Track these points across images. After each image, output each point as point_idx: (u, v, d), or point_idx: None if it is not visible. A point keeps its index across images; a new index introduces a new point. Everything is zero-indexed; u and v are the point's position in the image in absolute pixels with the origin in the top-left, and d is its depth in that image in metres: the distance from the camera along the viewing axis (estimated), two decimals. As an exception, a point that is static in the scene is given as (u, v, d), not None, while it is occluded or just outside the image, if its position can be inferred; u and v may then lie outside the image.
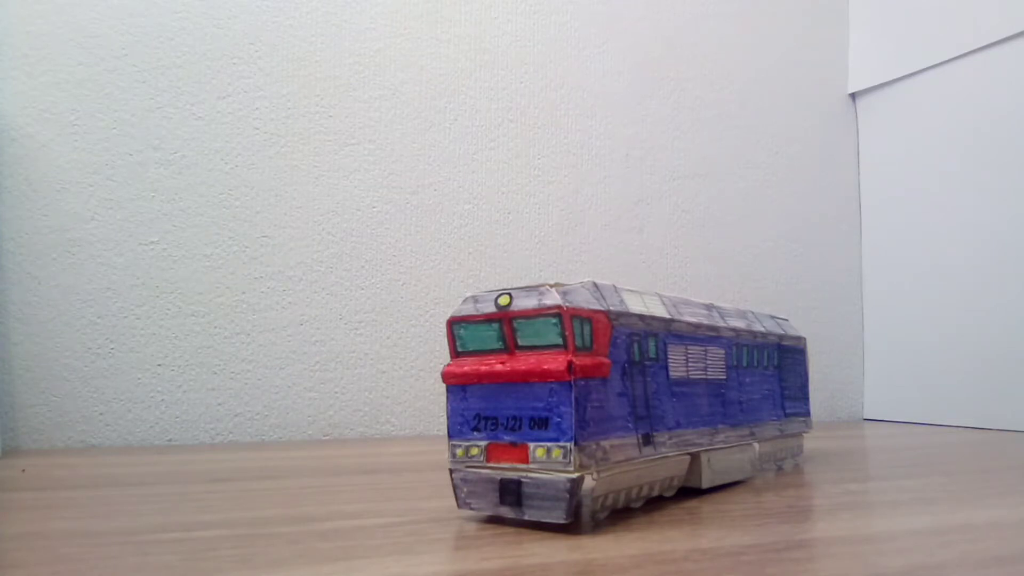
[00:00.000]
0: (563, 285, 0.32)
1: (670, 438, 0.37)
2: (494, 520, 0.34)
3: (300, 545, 0.29)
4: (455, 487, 0.34)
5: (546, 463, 0.30)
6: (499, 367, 0.32)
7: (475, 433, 0.33)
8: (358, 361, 0.76)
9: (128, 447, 0.67)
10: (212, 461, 0.56)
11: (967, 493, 0.41)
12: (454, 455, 0.34)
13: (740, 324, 0.46)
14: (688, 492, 0.41)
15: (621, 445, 0.33)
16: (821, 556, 0.28)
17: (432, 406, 0.78)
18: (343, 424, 0.75)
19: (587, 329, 0.31)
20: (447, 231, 0.81)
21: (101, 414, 0.68)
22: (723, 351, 0.43)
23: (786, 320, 0.56)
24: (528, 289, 0.32)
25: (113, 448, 0.67)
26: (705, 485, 0.40)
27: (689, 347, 0.40)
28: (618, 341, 0.33)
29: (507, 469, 0.32)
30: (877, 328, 1.01)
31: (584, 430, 0.30)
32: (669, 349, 0.38)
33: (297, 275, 0.75)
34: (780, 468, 0.51)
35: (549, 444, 0.30)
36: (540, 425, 0.31)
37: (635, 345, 0.35)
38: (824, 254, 1.02)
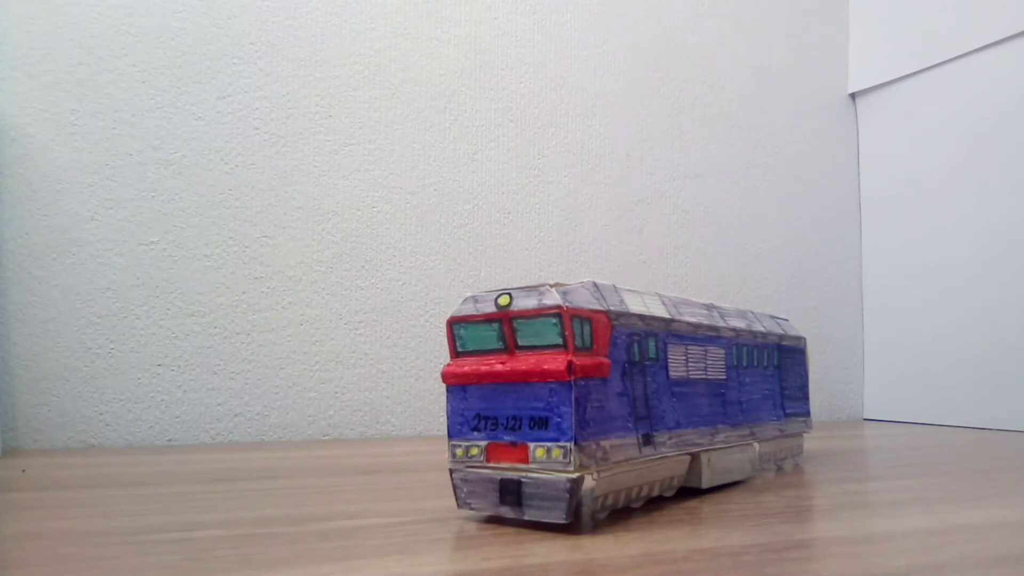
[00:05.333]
0: (563, 285, 0.32)
1: (670, 438, 0.37)
2: (494, 520, 0.34)
3: (300, 545, 0.29)
4: (455, 487, 0.34)
5: (546, 463, 0.30)
6: (499, 367, 0.32)
7: (475, 433, 0.33)
8: (358, 361, 0.76)
9: (128, 447, 0.67)
10: (212, 461, 0.56)
11: (967, 493, 0.41)
12: (454, 455, 0.34)
13: (740, 324, 0.46)
14: (688, 492, 0.41)
15: (621, 445, 0.33)
16: (821, 556, 0.28)
17: (432, 406, 0.78)
18: (343, 424, 0.75)
19: (587, 329, 0.31)
20: (447, 231, 0.81)
21: (101, 414, 0.68)
22: (723, 351, 0.43)
23: (786, 320, 0.56)
24: (528, 289, 0.32)
25: (113, 448, 0.67)
26: (705, 485, 0.40)
27: (689, 347, 0.40)
28: (618, 341, 0.33)
29: (507, 469, 0.32)
30: (877, 328, 1.01)
31: (584, 430, 0.30)
32: (669, 349, 0.38)
33: (297, 275, 0.75)
34: (780, 468, 0.51)
35: (549, 444, 0.30)
36: (540, 425, 0.31)
37: (635, 345, 0.35)
38: (824, 254, 1.02)
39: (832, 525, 0.33)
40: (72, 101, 0.69)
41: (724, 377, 0.43)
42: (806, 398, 0.55)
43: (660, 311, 0.38)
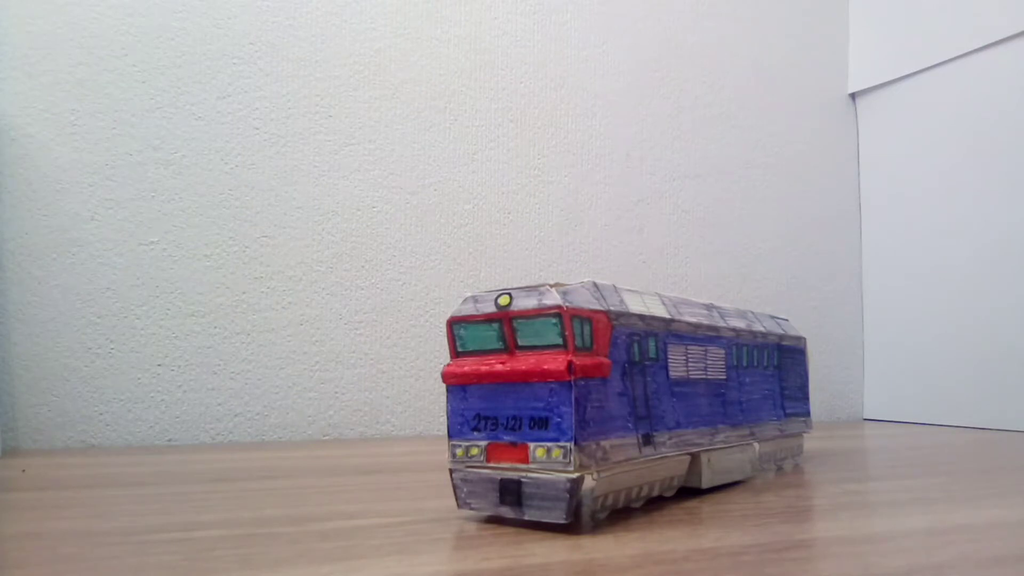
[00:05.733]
0: (563, 285, 0.32)
1: (670, 438, 0.37)
2: (494, 520, 0.34)
3: (300, 545, 0.29)
4: (455, 487, 0.34)
5: (546, 463, 0.30)
6: (499, 367, 0.32)
7: (475, 433, 0.33)
8: (358, 361, 0.76)
9: (128, 447, 0.67)
10: (212, 461, 0.56)
11: (967, 493, 0.41)
12: (454, 455, 0.34)
13: (740, 324, 0.46)
14: (688, 492, 0.41)
15: (621, 445, 0.33)
16: (821, 556, 0.28)
17: (432, 406, 0.78)
18: (343, 424, 0.75)
19: (587, 329, 0.31)
20: (447, 231, 0.81)
21: (101, 414, 0.68)
22: (723, 351, 0.43)
23: (786, 320, 0.56)
24: (528, 289, 0.32)
25: (113, 448, 0.67)
26: (705, 485, 0.40)
27: (689, 347, 0.40)
28: (618, 341, 0.33)
29: (507, 469, 0.32)
30: (877, 328, 1.01)
31: (584, 430, 0.30)
32: (669, 349, 0.38)
33: (297, 275, 0.75)
34: (780, 468, 0.51)
35: (549, 444, 0.30)
36: (540, 425, 0.31)
37: (635, 345, 0.35)
38: (824, 254, 1.02)
39: (832, 525, 0.33)
40: (72, 101, 0.69)
41: (724, 377, 0.43)
42: (806, 398, 0.55)
43: (660, 311, 0.38)
